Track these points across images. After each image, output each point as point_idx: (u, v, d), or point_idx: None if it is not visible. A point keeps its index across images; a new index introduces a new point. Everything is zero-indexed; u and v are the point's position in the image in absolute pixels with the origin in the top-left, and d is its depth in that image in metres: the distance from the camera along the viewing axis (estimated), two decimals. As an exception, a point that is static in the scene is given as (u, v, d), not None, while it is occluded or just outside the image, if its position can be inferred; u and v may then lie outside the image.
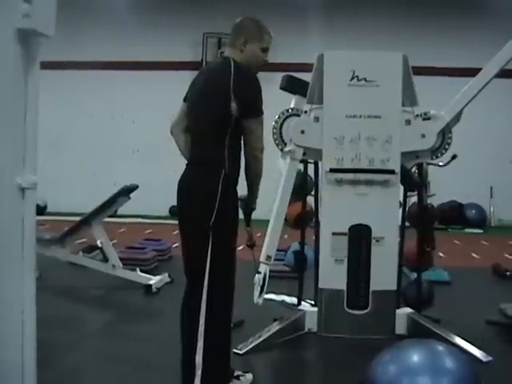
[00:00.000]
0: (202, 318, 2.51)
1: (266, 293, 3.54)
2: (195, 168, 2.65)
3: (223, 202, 2.53)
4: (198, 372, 2.50)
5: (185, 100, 2.80)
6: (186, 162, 2.73)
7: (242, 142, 2.63)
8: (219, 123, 2.58)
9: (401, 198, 3.86)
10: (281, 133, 3.75)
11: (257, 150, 2.61)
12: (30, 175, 1.68)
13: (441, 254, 6.18)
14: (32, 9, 1.56)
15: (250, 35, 2.67)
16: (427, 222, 4.01)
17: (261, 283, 3.43)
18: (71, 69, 10.65)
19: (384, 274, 3.67)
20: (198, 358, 2.50)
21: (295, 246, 4.23)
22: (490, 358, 3.27)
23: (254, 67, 2.70)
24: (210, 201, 2.52)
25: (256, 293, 3.45)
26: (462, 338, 3.46)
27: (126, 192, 5.07)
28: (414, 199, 4.03)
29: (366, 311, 3.66)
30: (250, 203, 2.81)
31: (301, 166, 3.82)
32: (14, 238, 1.67)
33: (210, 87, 2.63)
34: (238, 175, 2.69)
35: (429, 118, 3.64)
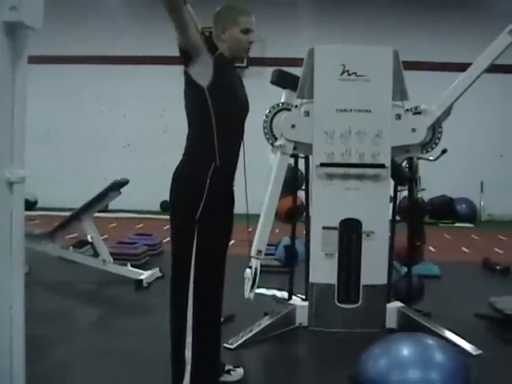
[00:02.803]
0: (190, 312, 2.49)
1: (257, 287, 3.54)
2: (185, 161, 2.63)
3: (212, 196, 2.50)
4: (188, 367, 2.50)
5: None
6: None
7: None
8: (196, 106, 2.54)
9: (391, 193, 3.87)
10: (271, 127, 3.75)
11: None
12: (19, 169, 1.67)
13: (431, 249, 6.21)
14: (19, 1, 1.55)
15: (225, 22, 2.61)
16: (417, 217, 4.03)
17: (252, 278, 3.43)
18: (61, 63, 10.60)
19: (374, 269, 3.68)
20: (188, 353, 2.50)
21: (286, 240, 4.24)
22: (480, 352, 3.29)
23: (241, 52, 2.65)
24: (197, 194, 2.49)
25: (247, 287, 3.45)
26: (452, 332, 3.49)
27: (117, 187, 5.06)
28: (404, 193, 4.05)
29: (356, 305, 3.67)
30: None
31: (291, 161, 3.82)
32: (2, 233, 1.66)
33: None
34: (233, 170, 2.66)
35: (419, 113, 3.65)
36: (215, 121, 2.52)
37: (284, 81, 3.83)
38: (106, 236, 6.00)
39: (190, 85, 2.52)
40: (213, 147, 2.54)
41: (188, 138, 2.64)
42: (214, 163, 2.53)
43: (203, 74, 2.49)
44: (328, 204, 3.69)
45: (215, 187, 2.52)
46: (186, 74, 2.52)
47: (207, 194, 2.49)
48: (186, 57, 2.49)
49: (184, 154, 2.64)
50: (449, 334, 3.47)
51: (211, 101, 2.50)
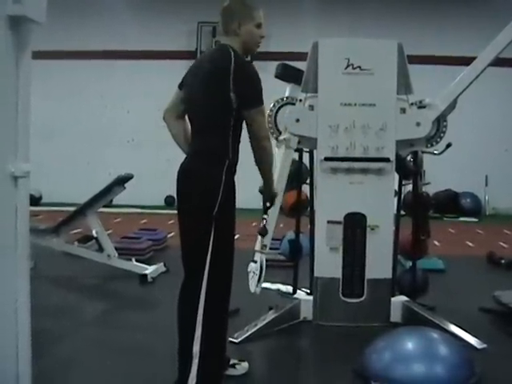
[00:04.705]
0: (201, 307, 2.51)
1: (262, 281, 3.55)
2: (199, 158, 2.63)
3: (226, 192, 2.54)
4: (196, 361, 2.50)
5: (180, 87, 2.78)
6: (188, 151, 2.71)
7: (248, 133, 2.62)
8: (222, 114, 2.57)
9: (396, 187, 3.86)
10: (276, 121, 3.74)
11: (263, 139, 2.60)
12: (23, 164, 1.67)
13: (436, 243, 6.20)
14: (23, -5, 1.55)
15: (241, 17, 2.65)
16: (422, 211, 4.02)
17: (258, 272, 3.43)
18: (65, 58, 10.60)
19: (379, 263, 3.68)
20: (196, 347, 2.50)
21: (290, 234, 4.23)
22: (485, 345, 3.28)
23: (253, 46, 2.71)
24: (214, 191, 2.51)
25: (252, 282, 3.45)
26: (457, 326, 3.48)
27: (121, 182, 5.06)
28: (409, 188, 4.04)
29: (361, 299, 3.67)
30: (268, 192, 2.81)
31: (296, 155, 3.82)
32: (7, 227, 1.67)
33: (210, 78, 2.61)
34: (237, 163, 2.70)
35: (424, 107, 3.64)
36: (233, 126, 2.59)
37: (288, 75, 3.82)
38: (110, 231, 6.01)
39: (224, 101, 2.54)
40: (227, 146, 2.58)
41: (201, 136, 2.65)
42: (228, 160, 2.57)
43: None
44: (332, 198, 3.68)
45: (229, 182, 2.56)
46: (226, 92, 2.52)
47: (223, 190, 2.52)
48: (241, 107, 2.57)
49: (196, 152, 2.65)
50: (453, 328, 3.46)
51: (235, 114, 2.57)
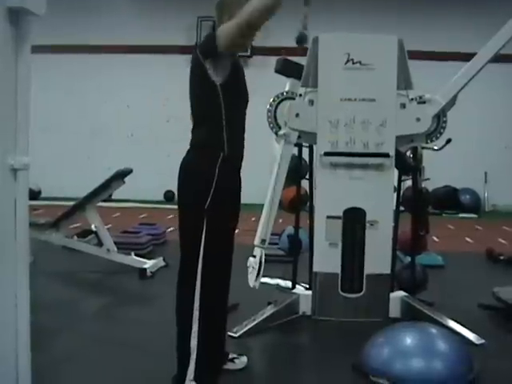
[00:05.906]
0: (197, 302, 2.51)
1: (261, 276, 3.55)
2: (193, 151, 2.63)
3: (220, 186, 2.51)
4: (193, 356, 2.51)
5: None
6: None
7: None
8: (208, 100, 2.54)
9: (395, 182, 3.86)
10: (275, 116, 3.73)
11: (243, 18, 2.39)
12: (22, 156, 1.66)
13: (435, 239, 6.20)
14: (22, -13, 1.54)
15: (232, 10, 2.60)
16: (421, 207, 4.02)
17: (257, 267, 3.43)
18: (65, 52, 10.59)
19: (378, 258, 3.68)
20: (193, 342, 2.51)
21: (289, 229, 4.24)
22: (483, 341, 3.29)
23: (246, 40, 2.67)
24: (206, 184, 2.50)
25: (251, 276, 3.45)
26: (456, 321, 3.48)
27: (121, 176, 5.06)
28: (408, 183, 4.04)
29: (360, 294, 3.67)
30: None
31: (295, 150, 3.81)
32: (6, 220, 1.66)
33: (191, 70, 2.62)
34: (241, 159, 2.68)
35: (424, 102, 3.63)
36: (225, 115, 2.54)
37: (288, 70, 3.81)
38: (109, 225, 6.01)
39: (204, 80, 2.51)
40: (221, 138, 2.55)
41: (195, 130, 2.64)
42: (223, 153, 2.54)
43: (220, 72, 2.51)
44: (332, 193, 3.68)
45: (224, 176, 2.53)
46: (202, 68, 2.50)
47: (216, 184, 2.50)
48: (211, 54, 2.48)
49: (191, 146, 2.64)
50: (452, 324, 3.47)
51: (223, 97, 2.52)
